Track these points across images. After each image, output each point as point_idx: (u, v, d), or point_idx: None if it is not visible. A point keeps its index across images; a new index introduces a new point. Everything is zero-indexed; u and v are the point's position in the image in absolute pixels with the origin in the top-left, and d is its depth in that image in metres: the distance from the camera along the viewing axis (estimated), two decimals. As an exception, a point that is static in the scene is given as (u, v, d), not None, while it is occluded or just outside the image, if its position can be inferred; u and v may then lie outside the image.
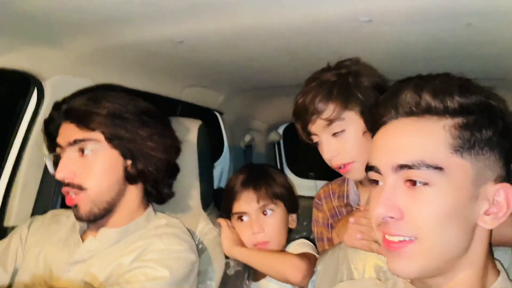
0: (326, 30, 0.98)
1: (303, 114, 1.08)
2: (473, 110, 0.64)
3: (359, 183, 1.16)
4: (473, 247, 0.64)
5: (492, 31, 0.91)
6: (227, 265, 1.18)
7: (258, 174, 1.27)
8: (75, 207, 1.01)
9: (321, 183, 2.23)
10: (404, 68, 1.20)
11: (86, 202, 1.00)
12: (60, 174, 1.00)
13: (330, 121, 1.04)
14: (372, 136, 0.72)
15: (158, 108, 1.15)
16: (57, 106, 1.08)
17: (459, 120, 0.63)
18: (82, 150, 1.01)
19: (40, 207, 1.23)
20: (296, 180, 2.60)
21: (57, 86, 1.20)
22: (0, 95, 1.33)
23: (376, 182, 0.68)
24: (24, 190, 1.20)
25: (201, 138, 1.26)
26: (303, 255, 1.12)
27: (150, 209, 1.11)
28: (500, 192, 0.63)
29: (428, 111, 0.64)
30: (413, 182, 0.62)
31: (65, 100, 1.09)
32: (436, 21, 0.88)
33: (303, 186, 2.63)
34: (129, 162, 1.05)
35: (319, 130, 1.07)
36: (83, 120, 1.01)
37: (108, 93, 1.09)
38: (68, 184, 1.00)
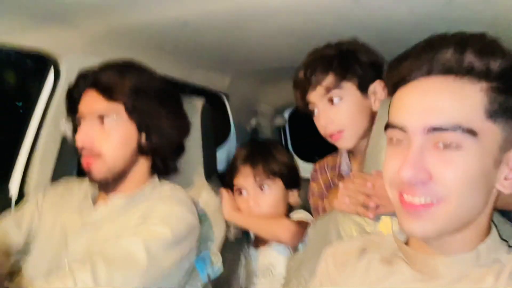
0: (319, 9, 1.05)
1: (304, 83, 1.16)
2: (509, 74, 0.61)
3: (351, 155, 1.24)
4: (485, 209, 0.66)
5: (472, 9, 0.97)
6: (228, 231, 1.25)
7: (258, 151, 1.33)
8: (89, 170, 1.09)
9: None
10: (395, 48, 1.27)
11: (101, 168, 1.08)
12: (80, 142, 1.08)
13: (329, 89, 1.12)
14: (393, 92, 0.70)
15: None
16: (83, 74, 1.15)
17: (494, 84, 0.61)
18: (102, 119, 1.08)
19: (57, 176, 1.33)
20: (301, 164, 2.67)
21: (72, 65, 1.28)
22: (21, 73, 1.42)
23: (391, 140, 0.67)
24: (43, 160, 1.30)
25: (204, 115, 1.33)
26: (295, 221, 1.20)
27: (155, 178, 1.19)
28: None
29: (470, 71, 0.61)
30: (446, 145, 0.61)
31: (92, 70, 1.16)
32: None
33: (309, 170, 2.71)
34: (143, 135, 1.12)
35: (317, 99, 1.15)
36: (107, 91, 1.08)
37: (134, 67, 1.15)
38: (85, 149, 1.08)
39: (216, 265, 1.18)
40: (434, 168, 0.61)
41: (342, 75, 1.13)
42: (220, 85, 1.88)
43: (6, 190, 1.31)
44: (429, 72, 0.64)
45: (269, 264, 1.29)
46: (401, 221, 0.67)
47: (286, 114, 2.49)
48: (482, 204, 0.65)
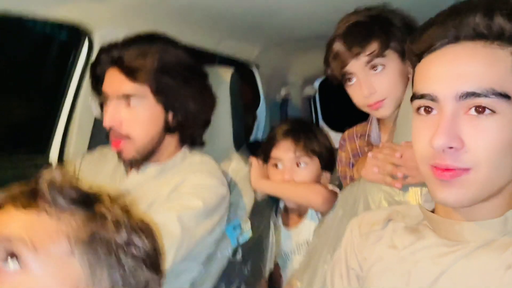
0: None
1: (344, 53, 1.11)
2: None
3: (381, 123, 1.23)
4: None
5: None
6: (256, 195, 1.28)
7: (300, 127, 1.34)
8: (118, 151, 1.12)
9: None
10: (428, 14, 1.22)
11: (130, 150, 1.10)
12: (107, 123, 1.08)
13: (373, 57, 1.09)
14: (416, 62, 0.69)
15: (197, 59, 1.21)
16: (105, 50, 1.14)
17: None
18: (128, 100, 1.09)
19: (94, 144, 1.39)
20: (331, 134, 2.66)
21: (105, 38, 1.31)
22: (56, 45, 1.47)
23: (418, 110, 0.66)
24: (80, 128, 1.36)
25: (233, 85, 1.34)
26: (327, 187, 1.21)
27: (185, 148, 1.22)
28: None
29: (500, 36, 0.60)
30: (479, 111, 0.60)
31: (114, 46, 1.14)
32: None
33: (338, 140, 2.71)
34: (170, 114, 1.13)
35: (359, 68, 1.11)
36: (132, 73, 1.08)
37: (157, 46, 1.12)
38: (114, 130, 1.09)
39: (246, 231, 1.22)
40: (467, 135, 0.60)
41: (386, 42, 1.09)
42: (249, 55, 1.88)
43: (46, 157, 1.39)
44: (456, 39, 0.62)
45: (303, 241, 1.31)
46: (433, 191, 0.66)
47: (316, 84, 2.47)
48: None
